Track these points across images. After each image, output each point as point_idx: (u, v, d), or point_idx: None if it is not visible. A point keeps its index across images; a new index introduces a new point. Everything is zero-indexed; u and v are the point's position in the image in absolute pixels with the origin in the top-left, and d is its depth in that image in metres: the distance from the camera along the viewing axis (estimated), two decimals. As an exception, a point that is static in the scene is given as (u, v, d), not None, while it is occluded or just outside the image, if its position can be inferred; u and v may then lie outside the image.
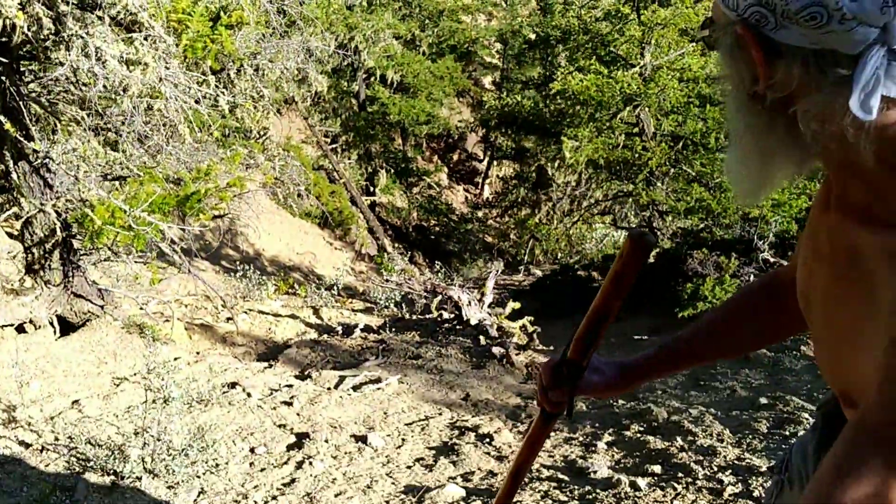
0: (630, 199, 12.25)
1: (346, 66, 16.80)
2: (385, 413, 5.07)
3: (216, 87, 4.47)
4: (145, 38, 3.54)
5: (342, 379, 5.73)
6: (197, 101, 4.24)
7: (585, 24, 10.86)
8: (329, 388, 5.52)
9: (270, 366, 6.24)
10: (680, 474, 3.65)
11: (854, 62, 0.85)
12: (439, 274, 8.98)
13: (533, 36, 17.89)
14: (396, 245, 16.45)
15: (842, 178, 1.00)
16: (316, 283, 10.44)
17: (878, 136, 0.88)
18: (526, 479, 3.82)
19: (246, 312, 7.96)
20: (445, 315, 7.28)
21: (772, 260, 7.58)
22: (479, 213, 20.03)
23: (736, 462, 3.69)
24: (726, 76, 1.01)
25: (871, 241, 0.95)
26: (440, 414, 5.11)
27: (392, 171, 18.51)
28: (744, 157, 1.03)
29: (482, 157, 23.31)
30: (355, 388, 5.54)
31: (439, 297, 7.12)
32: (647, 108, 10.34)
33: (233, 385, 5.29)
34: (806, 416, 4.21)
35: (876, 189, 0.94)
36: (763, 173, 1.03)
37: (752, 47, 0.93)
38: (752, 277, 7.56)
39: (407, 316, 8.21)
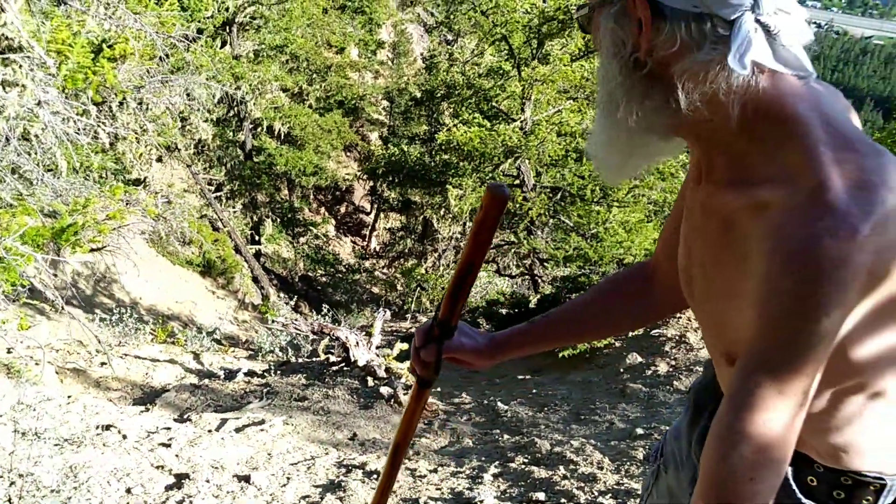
0: (512, 248, 12.62)
1: (231, 116, 16.66)
2: (269, 454, 4.97)
3: (97, 118, 4.38)
4: (24, 59, 3.45)
5: (224, 421, 5.58)
6: (77, 132, 4.14)
7: (469, 79, 11.27)
8: (210, 431, 5.36)
9: (147, 409, 6.00)
10: (563, 500, 3.76)
11: (730, 26, 0.95)
12: (326, 316, 8.94)
13: (419, 94, 18.36)
14: (282, 294, 16.21)
15: (707, 151, 1.07)
16: (197, 330, 10.15)
17: (743, 100, 0.97)
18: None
19: (122, 357, 7.65)
20: (333, 358, 7.23)
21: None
22: (367, 264, 20.06)
23: (615, 487, 3.84)
24: (607, 46, 1.04)
25: (737, 205, 1.02)
26: (326, 453, 5.05)
27: (278, 220, 18.33)
28: (615, 129, 1.07)
29: (369, 210, 23.44)
30: (238, 429, 5.41)
31: (327, 339, 7.08)
32: (527, 161, 10.76)
33: (107, 427, 5.06)
34: (676, 438, 4.43)
35: (738, 156, 1.02)
36: (633, 144, 1.08)
37: (640, 10, 0.98)
38: (627, 319, 7.92)
39: (293, 360, 8.10)
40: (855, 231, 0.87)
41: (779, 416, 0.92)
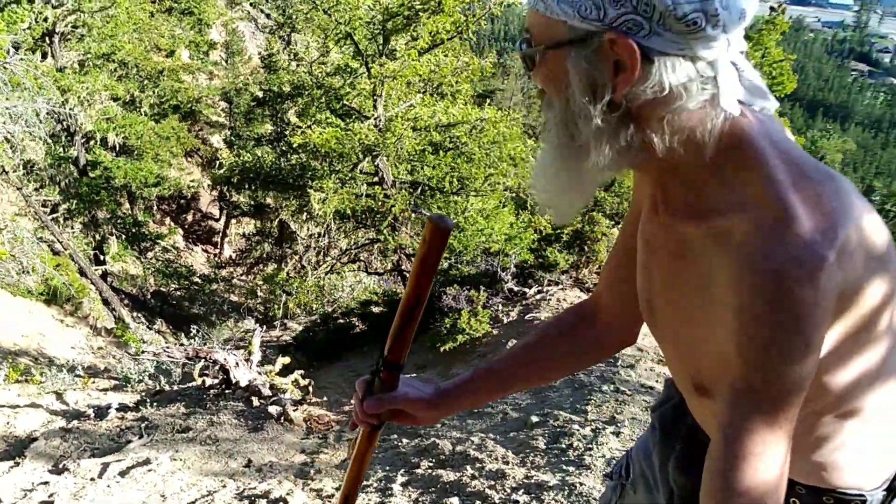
0: (377, 245, 12.61)
1: (61, 131, 15.56)
2: (162, 495, 4.74)
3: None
4: None
5: (105, 466, 5.25)
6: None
7: (318, 78, 11.09)
8: (93, 479, 5.03)
9: (17, 464, 5.55)
10: (477, 502, 3.82)
11: (711, 67, 0.95)
12: (196, 338, 8.58)
13: (260, 94, 17.86)
14: (136, 315, 15.38)
15: (663, 181, 1.07)
16: (51, 365, 9.46)
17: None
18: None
19: (-26, 409, 7.01)
20: (210, 381, 6.96)
21: (515, 289, 8.21)
22: (223, 273, 19.38)
23: (525, 481, 3.93)
24: (577, 87, 0.99)
25: (697, 234, 1.02)
26: (224, 486, 4.88)
27: (122, 237, 17.35)
28: (575, 170, 1.04)
29: (218, 216, 22.64)
30: (122, 473, 5.11)
31: (202, 363, 6.80)
32: (385, 158, 10.76)
33: (-24, 493, 4.65)
34: (576, 427, 4.60)
35: (697, 186, 1.02)
36: (593, 182, 1.07)
37: (625, 54, 0.94)
38: (500, 307, 8.12)
39: (166, 387, 7.72)
40: (823, 259, 0.89)
41: (774, 453, 0.93)
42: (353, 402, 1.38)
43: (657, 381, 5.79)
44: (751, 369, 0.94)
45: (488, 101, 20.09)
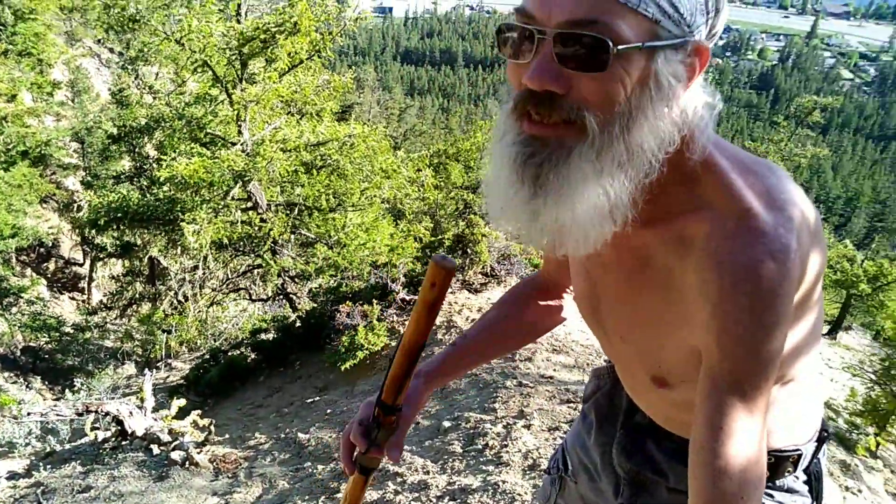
0: (257, 272, 12.39)
1: None
2: (73, 561, 4.54)
3: None
4: None
5: (5, 541, 4.97)
6: None
7: (178, 109, 10.80)
8: (-7, 557, 4.75)
9: None
10: (404, 516, 3.88)
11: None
12: (81, 391, 8.18)
13: (115, 130, 17.15)
14: (7, 374, 14.43)
15: None
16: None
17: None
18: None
19: None
20: (103, 434, 6.66)
21: (407, 298, 8.30)
22: (96, 319, 18.42)
23: (449, 488, 4.00)
24: (642, 91, 0.96)
25: (656, 240, 1.06)
26: (138, 540, 4.72)
27: (-20, 295, 16.25)
28: (618, 185, 0.99)
29: (83, 261, 21.53)
30: (26, 545, 4.85)
31: (93, 416, 6.51)
32: (257, 182, 10.61)
33: None
34: (488, 426, 4.74)
35: (653, 190, 1.02)
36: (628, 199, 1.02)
37: (703, 63, 0.98)
38: (395, 317, 8.20)
39: (58, 447, 7.32)
40: (788, 247, 0.96)
41: (753, 433, 0.99)
42: (339, 454, 1.37)
43: (554, 370, 6.03)
44: (732, 359, 0.98)
45: (351, 115, 20.11)
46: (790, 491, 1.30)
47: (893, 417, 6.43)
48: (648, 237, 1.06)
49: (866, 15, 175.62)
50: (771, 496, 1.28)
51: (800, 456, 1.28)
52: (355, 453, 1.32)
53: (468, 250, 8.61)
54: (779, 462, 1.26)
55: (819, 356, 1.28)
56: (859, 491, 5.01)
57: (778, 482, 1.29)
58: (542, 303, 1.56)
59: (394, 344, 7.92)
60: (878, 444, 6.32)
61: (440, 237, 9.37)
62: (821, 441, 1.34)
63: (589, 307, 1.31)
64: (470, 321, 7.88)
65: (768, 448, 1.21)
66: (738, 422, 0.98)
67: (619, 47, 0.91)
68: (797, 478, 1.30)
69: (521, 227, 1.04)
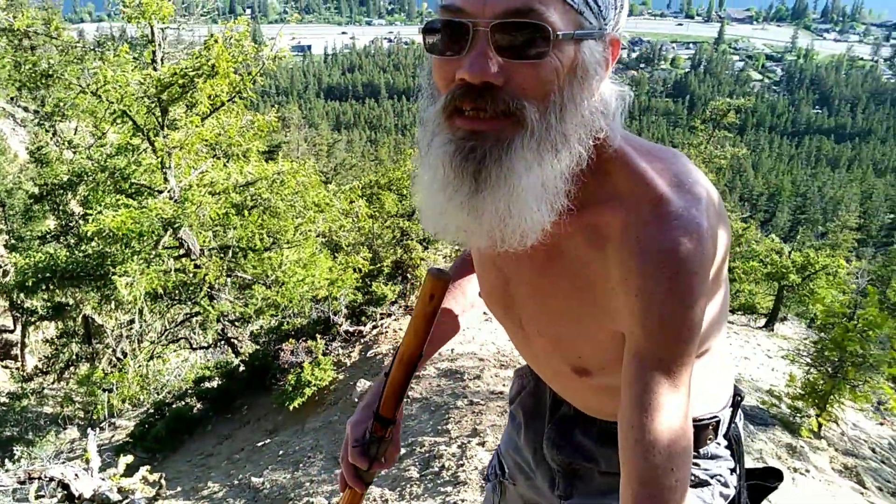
0: (196, 319, 12.13)
1: None
2: None
3: None
4: None
5: None
6: None
7: (99, 162, 10.57)
8: None
9: None
10: (366, 547, 3.84)
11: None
12: (22, 460, 7.85)
13: (36, 189, 16.66)
14: (-60, 455, 13.74)
15: None
16: None
17: None
18: None
19: None
20: (48, 502, 6.41)
21: (351, 329, 8.26)
22: (32, 385, 17.73)
23: (408, 511, 4.01)
24: (571, 80, 0.98)
25: (568, 231, 1.07)
26: None
27: None
28: (555, 173, 1.00)
29: (13, 327, 20.76)
30: None
31: (37, 483, 6.25)
32: (188, 228, 10.43)
33: None
34: (443, 448, 4.74)
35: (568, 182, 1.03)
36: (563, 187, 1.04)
37: (615, 55, 1.02)
38: (340, 350, 8.14)
39: (-1, 523, 7.00)
40: (701, 227, 1.00)
41: (678, 407, 1.02)
42: (339, 471, 1.37)
43: (504, 385, 6.07)
44: (657, 339, 1.01)
45: (279, 154, 19.98)
46: (714, 458, 1.34)
47: (831, 398, 6.64)
48: (561, 230, 1.07)
49: (767, 18, 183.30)
50: (697, 465, 1.31)
51: (718, 422, 1.33)
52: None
53: (408, 275, 8.63)
54: (699, 431, 1.29)
55: (726, 327, 1.32)
56: (807, 471, 5.16)
57: (702, 450, 1.32)
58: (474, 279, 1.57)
59: (341, 377, 7.86)
60: (820, 425, 6.51)
61: (379, 265, 9.37)
62: (735, 406, 1.38)
63: (501, 302, 1.32)
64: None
65: None
66: (665, 397, 1.01)
67: (559, 33, 0.93)
68: (718, 444, 1.35)
69: (463, 226, 1.03)
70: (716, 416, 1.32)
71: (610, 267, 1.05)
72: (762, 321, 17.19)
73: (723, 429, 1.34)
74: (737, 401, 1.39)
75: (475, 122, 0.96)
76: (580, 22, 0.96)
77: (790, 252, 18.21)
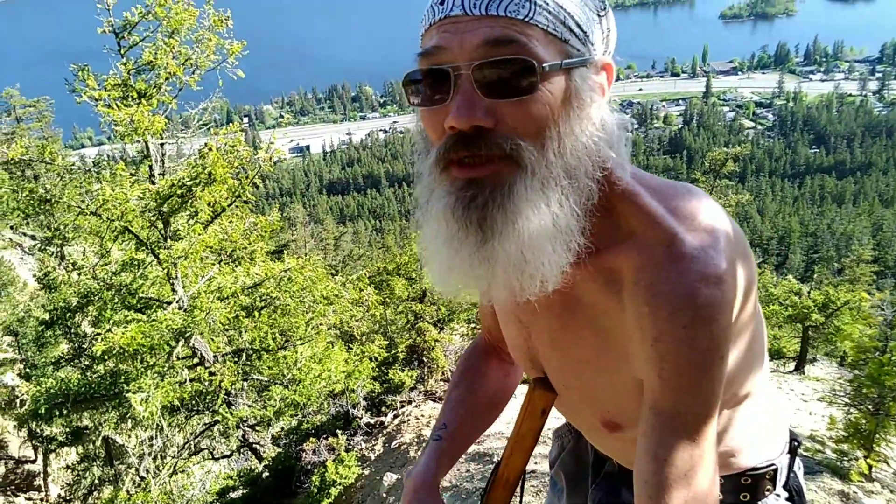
0: (216, 428, 11.92)
1: None
2: None
3: None
4: None
5: None
6: None
7: (105, 280, 10.59)
8: None
9: None
10: None
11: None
12: None
13: (47, 315, 16.72)
14: None
15: None
16: None
17: None
18: None
19: None
20: None
21: (372, 421, 8.05)
22: (57, 516, 17.41)
23: None
24: (567, 111, 0.93)
25: (583, 275, 1.00)
26: None
27: (-75, 518, 15.17)
28: (566, 213, 0.94)
29: (34, 457, 20.50)
30: None
31: None
32: (199, 336, 10.36)
33: None
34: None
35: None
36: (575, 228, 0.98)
37: (609, 80, 0.97)
38: (363, 444, 7.91)
39: None
40: (719, 268, 0.91)
41: (698, 465, 0.93)
42: None
43: (536, 463, 5.84)
44: (675, 393, 0.94)
45: (286, 253, 20.11)
46: None
47: (877, 436, 6.35)
48: (576, 275, 0.99)
49: (751, 67, 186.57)
50: None
51: (775, 471, 1.23)
52: None
53: (423, 359, 8.47)
54: (756, 482, 1.21)
55: (768, 366, 1.22)
56: (864, 518, 4.87)
57: (761, 503, 1.23)
58: (495, 367, 1.49)
59: (367, 472, 7.59)
60: (870, 467, 6.21)
61: (394, 352, 9.22)
62: (793, 452, 1.27)
63: (526, 355, 1.25)
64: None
65: (741, 469, 1.19)
66: (681, 452, 0.93)
67: (545, 65, 0.88)
68: (778, 496, 1.25)
69: (475, 279, 0.96)
70: (773, 464, 1.23)
71: (626, 313, 0.98)
72: (791, 365, 16.80)
73: (781, 478, 1.24)
74: (794, 446, 1.28)
75: (472, 169, 0.92)
76: (566, 50, 0.92)
77: (809, 292, 17.95)
